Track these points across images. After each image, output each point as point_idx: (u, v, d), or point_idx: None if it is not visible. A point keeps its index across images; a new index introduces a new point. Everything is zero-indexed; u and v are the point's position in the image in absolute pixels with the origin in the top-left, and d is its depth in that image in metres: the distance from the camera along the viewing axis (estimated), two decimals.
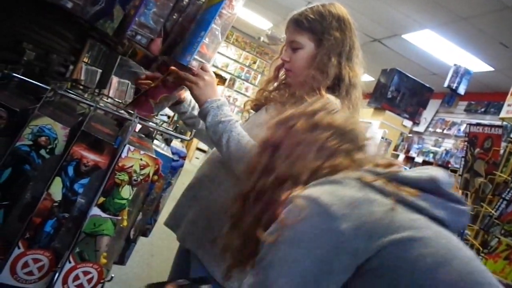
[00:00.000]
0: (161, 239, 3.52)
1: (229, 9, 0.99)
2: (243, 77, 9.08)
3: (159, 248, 3.44)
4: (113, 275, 1.53)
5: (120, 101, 1.47)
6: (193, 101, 1.41)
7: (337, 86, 1.20)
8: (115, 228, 0.82)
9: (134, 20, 0.88)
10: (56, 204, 0.77)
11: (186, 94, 1.36)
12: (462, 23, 4.29)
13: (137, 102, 1.24)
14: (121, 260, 1.10)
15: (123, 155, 0.80)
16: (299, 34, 1.23)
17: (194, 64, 1.02)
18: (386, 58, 6.10)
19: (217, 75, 9.12)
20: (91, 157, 0.79)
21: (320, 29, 1.21)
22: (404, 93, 4.79)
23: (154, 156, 0.85)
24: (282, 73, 1.36)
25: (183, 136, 1.01)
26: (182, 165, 1.18)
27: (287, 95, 1.24)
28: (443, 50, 5.27)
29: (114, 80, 2.51)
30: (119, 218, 0.82)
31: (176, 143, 1.43)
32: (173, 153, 1.13)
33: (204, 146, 9.28)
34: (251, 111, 1.43)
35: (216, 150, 1.22)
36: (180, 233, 1.26)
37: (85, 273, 0.82)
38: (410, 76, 4.85)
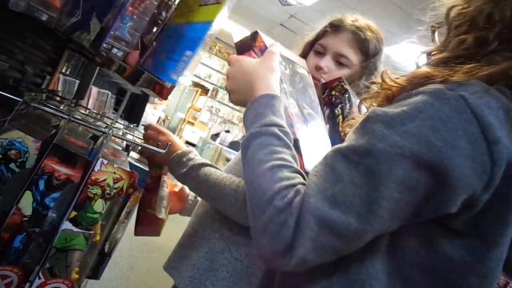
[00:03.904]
0: (141, 251, 3.47)
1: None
2: None
3: (138, 260, 3.39)
4: None
5: (97, 112, 1.45)
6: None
7: None
8: (87, 242, 0.81)
9: (109, 33, 0.88)
10: (26, 218, 0.76)
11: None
12: None
13: (142, 220, 1.22)
14: (95, 274, 1.08)
15: (96, 169, 0.79)
16: (354, 52, 1.09)
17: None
18: None
19: (200, 85, 9.12)
20: (63, 171, 0.78)
21: (373, 54, 1.09)
22: None
23: (128, 169, 0.85)
24: None
25: (158, 149, 1.00)
26: None
27: None
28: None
29: (94, 90, 2.49)
30: (92, 232, 0.81)
31: None
32: None
33: (192, 139, 9.00)
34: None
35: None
36: (178, 278, 1.11)
37: None
38: None
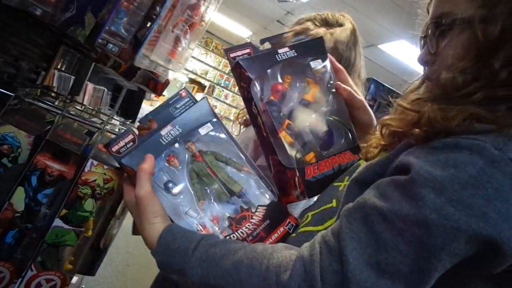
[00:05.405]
0: (137, 248, 3.47)
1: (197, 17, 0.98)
2: (222, 84, 9.07)
3: (135, 257, 3.39)
4: (83, 287, 1.50)
5: (93, 108, 1.45)
6: None
7: None
8: (78, 238, 0.81)
9: (104, 28, 0.87)
10: (18, 214, 0.75)
11: None
12: None
13: None
14: (91, 270, 1.07)
15: (86, 169, 0.78)
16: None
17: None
18: None
19: (196, 82, 9.08)
20: (56, 167, 0.77)
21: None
22: (380, 102, 4.89)
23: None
24: None
25: None
26: None
27: None
28: None
29: (90, 86, 2.48)
30: (83, 229, 0.81)
31: None
32: None
33: None
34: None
35: None
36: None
37: (48, 280, 0.80)
38: (386, 85, 4.94)
